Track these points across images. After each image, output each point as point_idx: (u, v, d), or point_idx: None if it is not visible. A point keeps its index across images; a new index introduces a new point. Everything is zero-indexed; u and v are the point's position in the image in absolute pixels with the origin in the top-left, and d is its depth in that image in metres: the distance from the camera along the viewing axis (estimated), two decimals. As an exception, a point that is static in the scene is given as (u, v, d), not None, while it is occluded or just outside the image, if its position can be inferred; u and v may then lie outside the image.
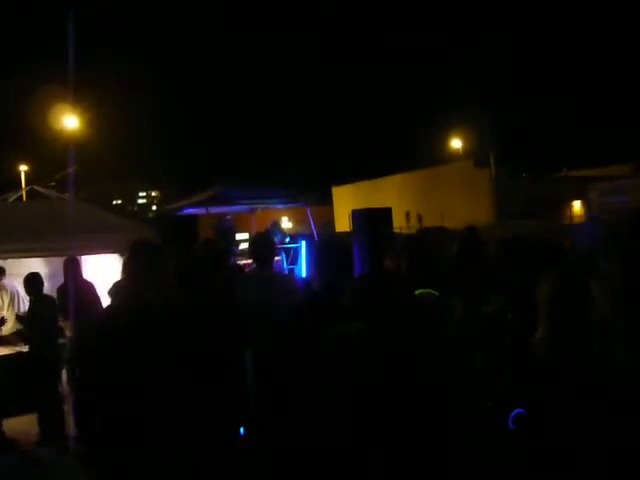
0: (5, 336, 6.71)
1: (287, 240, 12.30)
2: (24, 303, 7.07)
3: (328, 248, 4.24)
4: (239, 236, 13.23)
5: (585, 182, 25.10)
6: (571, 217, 25.89)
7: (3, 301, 7.18)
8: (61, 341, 6.25)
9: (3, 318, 6.65)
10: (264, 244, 4.83)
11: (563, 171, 32.83)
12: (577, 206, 27.45)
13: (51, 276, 7.46)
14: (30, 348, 5.95)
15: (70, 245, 6.44)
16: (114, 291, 4.56)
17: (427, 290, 3.20)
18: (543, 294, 2.45)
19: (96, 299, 6.72)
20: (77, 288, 6.41)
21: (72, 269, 6.50)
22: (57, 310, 6.07)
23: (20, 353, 6.10)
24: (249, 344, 3.39)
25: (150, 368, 2.46)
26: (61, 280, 6.60)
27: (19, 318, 6.62)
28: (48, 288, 6.94)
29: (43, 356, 5.79)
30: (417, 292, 3.20)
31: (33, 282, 5.98)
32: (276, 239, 9.68)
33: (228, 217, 12.92)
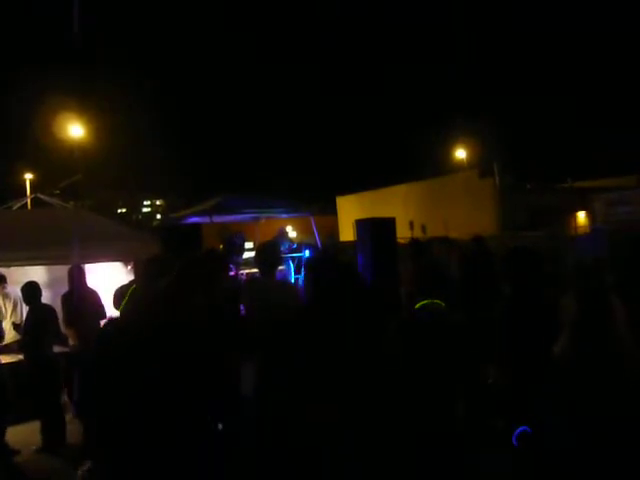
0: (8, 344, 6.70)
1: (294, 247, 12.25)
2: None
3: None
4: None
5: (590, 193, 25.03)
6: (576, 228, 25.79)
7: (6, 308, 7.17)
8: (63, 349, 6.23)
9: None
10: (270, 252, 4.84)
11: (567, 182, 32.73)
12: (582, 217, 27.36)
13: (54, 284, 7.44)
14: (25, 356, 5.94)
15: (73, 253, 6.43)
16: (119, 292, 4.59)
17: (432, 300, 3.17)
18: (568, 310, 2.45)
19: (100, 307, 6.71)
20: (81, 296, 6.40)
21: (77, 277, 6.50)
22: (55, 319, 6.05)
23: (22, 361, 6.08)
24: (251, 352, 3.35)
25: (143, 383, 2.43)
26: (64, 288, 6.59)
27: (16, 326, 6.61)
28: (51, 296, 6.92)
29: (41, 364, 5.77)
30: (422, 302, 3.17)
31: (29, 291, 5.98)
32: (283, 247, 9.67)
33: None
